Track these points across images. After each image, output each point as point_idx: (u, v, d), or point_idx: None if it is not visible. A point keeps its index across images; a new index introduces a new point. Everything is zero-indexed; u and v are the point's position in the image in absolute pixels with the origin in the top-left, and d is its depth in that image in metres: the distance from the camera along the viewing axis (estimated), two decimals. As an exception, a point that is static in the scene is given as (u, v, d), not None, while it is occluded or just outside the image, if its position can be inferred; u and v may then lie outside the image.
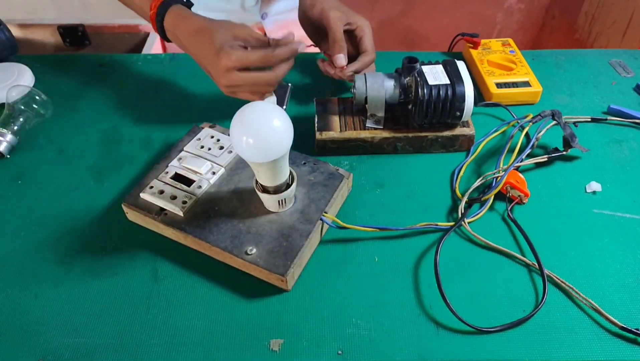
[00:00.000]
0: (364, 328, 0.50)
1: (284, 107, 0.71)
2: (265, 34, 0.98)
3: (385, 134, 0.66)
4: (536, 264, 0.54)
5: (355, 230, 0.57)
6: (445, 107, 0.63)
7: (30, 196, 0.63)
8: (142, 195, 0.57)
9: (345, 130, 0.67)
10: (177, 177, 0.59)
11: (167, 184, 0.58)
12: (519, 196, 0.60)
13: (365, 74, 0.66)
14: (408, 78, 0.65)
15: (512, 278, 0.54)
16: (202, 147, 0.63)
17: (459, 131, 0.67)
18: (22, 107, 0.70)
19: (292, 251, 0.52)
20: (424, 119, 0.64)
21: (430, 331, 0.50)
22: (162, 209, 0.56)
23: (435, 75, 0.64)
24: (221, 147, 0.63)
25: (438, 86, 0.62)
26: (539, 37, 1.87)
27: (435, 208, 0.61)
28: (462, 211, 0.60)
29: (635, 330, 0.49)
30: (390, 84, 0.66)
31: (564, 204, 0.62)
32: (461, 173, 0.65)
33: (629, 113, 0.73)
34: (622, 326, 0.49)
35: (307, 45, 0.66)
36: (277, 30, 0.98)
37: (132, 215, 0.59)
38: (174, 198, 0.57)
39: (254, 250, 0.52)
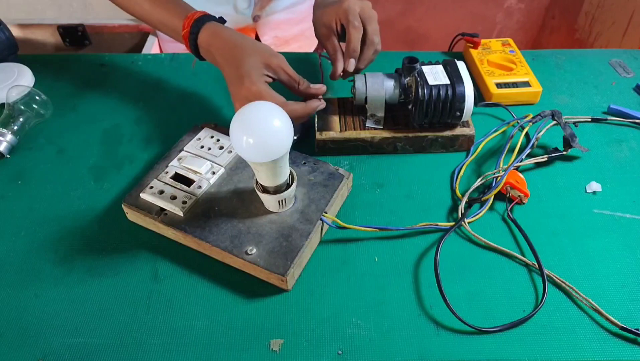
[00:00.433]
0: (364, 328, 0.50)
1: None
2: (257, 36, 0.98)
3: (385, 134, 0.66)
4: (536, 264, 0.54)
5: (355, 230, 0.57)
6: (445, 107, 0.63)
7: (30, 196, 0.63)
8: (142, 195, 0.57)
9: (345, 130, 0.67)
10: (177, 177, 0.59)
11: (167, 184, 0.58)
12: (519, 196, 0.60)
13: (365, 74, 0.66)
14: (408, 78, 0.65)
15: (512, 278, 0.54)
16: (202, 147, 0.63)
17: (459, 131, 0.67)
18: (22, 107, 0.70)
19: (292, 251, 0.52)
20: (424, 119, 0.64)
21: (430, 331, 0.50)
22: (162, 209, 0.56)
23: (435, 75, 0.64)
24: (221, 147, 0.63)
25: (438, 86, 0.62)
26: (539, 37, 1.87)
27: (435, 208, 0.61)
28: (462, 211, 0.60)
29: (635, 330, 0.49)
30: (390, 84, 0.66)
31: (564, 204, 0.62)
32: (461, 173, 0.65)
33: (629, 113, 0.73)
34: (622, 326, 0.49)
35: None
36: (269, 32, 0.98)
37: (132, 215, 0.59)
38: (174, 198, 0.57)
39: (254, 250, 0.52)
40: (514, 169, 0.62)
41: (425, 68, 0.64)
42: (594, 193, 0.63)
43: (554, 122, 0.69)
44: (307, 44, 1.04)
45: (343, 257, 0.56)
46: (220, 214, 0.56)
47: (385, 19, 1.80)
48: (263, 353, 0.48)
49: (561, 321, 0.51)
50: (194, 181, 0.59)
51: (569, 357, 0.48)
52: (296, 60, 0.82)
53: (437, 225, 0.58)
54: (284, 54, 0.64)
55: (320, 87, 0.62)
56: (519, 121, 0.70)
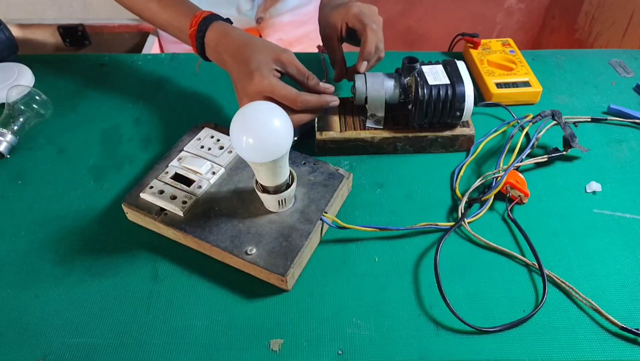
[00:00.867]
0: (364, 328, 0.50)
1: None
2: (260, 37, 0.98)
3: (385, 134, 0.66)
4: (536, 264, 0.54)
5: (355, 230, 0.57)
6: (445, 107, 0.63)
7: (30, 196, 0.63)
8: (142, 195, 0.57)
9: (345, 130, 0.67)
10: (177, 177, 0.59)
11: (167, 184, 0.58)
12: (519, 196, 0.60)
13: (365, 74, 0.66)
14: (408, 78, 0.65)
15: (512, 278, 0.54)
16: (202, 147, 0.63)
17: (459, 131, 0.67)
18: (22, 107, 0.70)
19: (292, 251, 0.52)
20: (424, 119, 0.64)
21: (430, 331, 0.50)
22: (162, 209, 0.56)
23: (435, 75, 0.64)
24: (221, 147, 0.63)
25: (438, 86, 0.62)
26: (539, 37, 1.87)
27: (435, 208, 0.61)
28: (462, 211, 0.60)
29: (635, 330, 0.49)
30: (390, 84, 0.66)
31: (564, 204, 0.62)
32: (461, 173, 0.65)
33: (629, 113, 0.73)
34: (622, 326, 0.49)
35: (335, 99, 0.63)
36: (272, 34, 0.97)
37: (132, 215, 0.59)
38: (174, 198, 0.57)
39: (254, 250, 0.52)
40: (514, 169, 0.62)
41: (425, 68, 0.64)
42: (594, 193, 0.63)
43: (554, 122, 0.69)
44: (311, 45, 1.04)
45: (343, 257, 0.56)
46: (220, 214, 0.56)
47: (385, 19, 1.79)
48: (263, 353, 0.48)
49: (561, 321, 0.51)
50: (194, 181, 0.59)
51: (569, 357, 0.48)
52: (306, 61, 0.82)
53: (437, 225, 0.58)
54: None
55: (329, 87, 0.61)
56: (519, 121, 0.70)
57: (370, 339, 0.49)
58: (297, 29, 1.01)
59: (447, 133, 0.67)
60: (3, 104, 0.72)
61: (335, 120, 0.68)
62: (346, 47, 0.71)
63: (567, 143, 0.65)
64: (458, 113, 0.64)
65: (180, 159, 0.61)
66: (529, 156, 0.66)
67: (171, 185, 0.58)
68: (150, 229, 0.58)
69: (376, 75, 0.66)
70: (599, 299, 0.51)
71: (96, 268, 0.55)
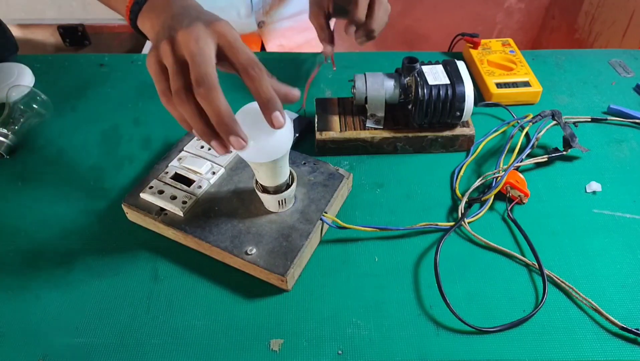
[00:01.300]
0: (364, 328, 0.50)
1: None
2: (262, 43, 0.97)
3: (385, 134, 0.66)
4: (536, 264, 0.54)
5: (355, 230, 0.57)
6: (445, 107, 0.63)
7: (30, 196, 0.63)
8: (142, 195, 0.57)
9: (345, 130, 0.67)
10: (177, 177, 0.59)
11: (167, 184, 0.58)
12: (519, 196, 0.60)
13: (365, 74, 0.66)
14: (408, 78, 0.65)
15: (512, 278, 0.54)
16: (202, 147, 0.63)
17: (459, 131, 0.67)
18: (22, 107, 0.70)
19: (292, 251, 0.52)
20: (424, 119, 0.64)
21: (430, 331, 0.50)
22: (162, 209, 0.56)
23: (435, 75, 0.64)
24: (221, 147, 0.62)
25: (438, 86, 0.62)
26: (539, 37, 1.87)
27: (435, 208, 0.61)
28: (462, 211, 0.60)
29: (635, 330, 0.49)
30: (390, 84, 0.66)
31: (564, 204, 0.62)
32: (461, 173, 0.65)
33: (629, 113, 0.73)
34: (622, 326, 0.49)
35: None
36: (274, 40, 0.97)
37: (132, 215, 0.59)
38: (174, 198, 0.57)
39: (254, 250, 0.52)
40: (514, 169, 0.62)
41: (425, 68, 0.64)
42: (594, 193, 0.63)
43: (554, 122, 0.69)
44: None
45: (343, 257, 0.56)
46: (220, 214, 0.56)
47: (385, 19, 1.80)
48: (263, 353, 0.48)
49: (561, 321, 0.51)
50: (194, 181, 0.59)
51: (569, 357, 0.48)
52: (305, 61, 0.82)
53: (437, 225, 0.58)
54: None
55: (290, 90, 0.46)
56: (519, 121, 0.70)
57: (370, 339, 0.49)
58: (299, 35, 1.00)
59: (447, 133, 0.67)
60: (3, 104, 0.72)
61: (335, 120, 0.68)
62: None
63: (567, 143, 0.65)
64: (458, 113, 0.64)
65: (180, 159, 0.61)
66: (529, 156, 0.66)
67: (171, 185, 0.58)
68: (150, 229, 0.58)
69: (376, 75, 0.66)
70: (599, 299, 0.51)
71: (96, 268, 0.55)
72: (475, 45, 0.83)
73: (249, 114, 0.48)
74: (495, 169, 0.64)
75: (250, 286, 0.53)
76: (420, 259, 0.56)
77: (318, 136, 0.66)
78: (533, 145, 0.66)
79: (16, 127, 0.69)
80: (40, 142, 0.70)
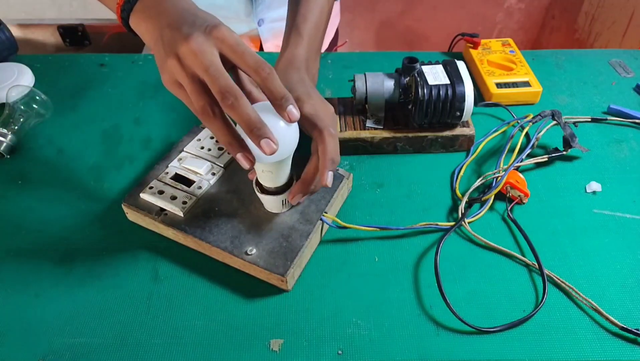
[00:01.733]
0: (364, 328, 0.50)
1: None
2: (261, 43, 0.97)
3: (385, 134, 0.66)
4: (536, 264, 0.54)
5: (355, 230, 0.57)
6: (445, 107, 0.63)
7: (30, 196, 0.63)
8: (142, 195, 0.57)
9: (345, 130, 0.67)
10: (177, 177, 0.59)
11: (167, 184, 0.58)
12: (519, 196, 0.60)
13: (365, 74, 0.66)
14: (408, 78, 0.65)
15: (512, 278, 0.54)
16: (202, 147, 0.63)
17: (459, 131, 0.67)
18: (22, 107, 0.70)
19: (292, 251, 0.52)
20: (424, 119, 0.64)
21: (430, 331, 0.50)
22: (162, 210, 0.56)
23: (435, 75, 0.64)
24: (221, 148, 0.63)
25: (438, 86, 0.62)
26: (539, 37, 1.87)
27: (435, 208, 0.61)
28: (462, 211, 0.60)
29: (635, 330, 0.49)
30: (390, 84, 0.66)
31: (564, 204, 0.62)
32: (461, 173, 0.65)
33: (629, 113, 0.73)
34: (622, 326, 0.49)
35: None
36: (272, 39, 0.97)
37: (132, 215, 0.59)
38: (174, 198, 0.57)
39: (254, 250, 0.52)
40: (514, 169, 0.62)
41: (425, 68, 0.64)
42: (594, 193, 0.63)
43: (554, 122, 0.69)
44: None
45: (343, 257, 0.56)
46: (220, 215, 0.56)
47: (385, 19, 1.80)
48: (263, 353, 0.48)
49: (561, 321, 0.51)
50: (194, 182, 0.59)
51: (569, 357, 0.48)
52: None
53: (437, 225, 0.58)
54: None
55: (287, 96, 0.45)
56: (519, 121, 0.70)
57: (370, 339, 0.49)
58: None
59: (447, 133, 0.67)
60: (3, 104, 0.72)
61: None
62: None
63: (567, 143, 0.65)
64: (458, 113, 0.64)
65: (180, 159, 0.61)
66: (529, 156, 0.66)
67: (171, 185, 0.58)
68: (150, 229, 0.58)
69: (376, 75, 0.66)
70: (599, 299, 0.51)
71: (96, 268, 0.55)
72: (475, 46, 0.83)
73: None
74: (495, 169, 0.64)
75: (250, 286, 0.53)
76: (420, 259, 0.56)
77: (318, 136, 0.66)
78: (533, 145, 0.66)
79: (16, 127, 0.69)
80: (40, 142, 0.70)
